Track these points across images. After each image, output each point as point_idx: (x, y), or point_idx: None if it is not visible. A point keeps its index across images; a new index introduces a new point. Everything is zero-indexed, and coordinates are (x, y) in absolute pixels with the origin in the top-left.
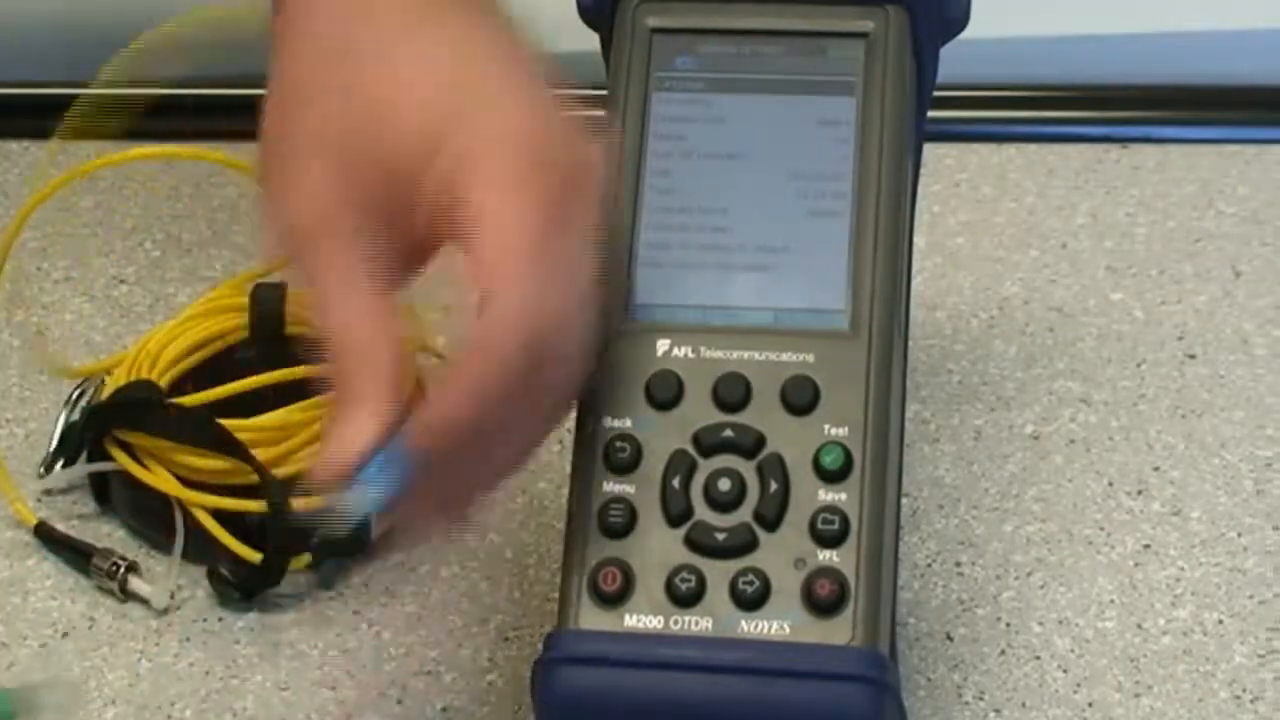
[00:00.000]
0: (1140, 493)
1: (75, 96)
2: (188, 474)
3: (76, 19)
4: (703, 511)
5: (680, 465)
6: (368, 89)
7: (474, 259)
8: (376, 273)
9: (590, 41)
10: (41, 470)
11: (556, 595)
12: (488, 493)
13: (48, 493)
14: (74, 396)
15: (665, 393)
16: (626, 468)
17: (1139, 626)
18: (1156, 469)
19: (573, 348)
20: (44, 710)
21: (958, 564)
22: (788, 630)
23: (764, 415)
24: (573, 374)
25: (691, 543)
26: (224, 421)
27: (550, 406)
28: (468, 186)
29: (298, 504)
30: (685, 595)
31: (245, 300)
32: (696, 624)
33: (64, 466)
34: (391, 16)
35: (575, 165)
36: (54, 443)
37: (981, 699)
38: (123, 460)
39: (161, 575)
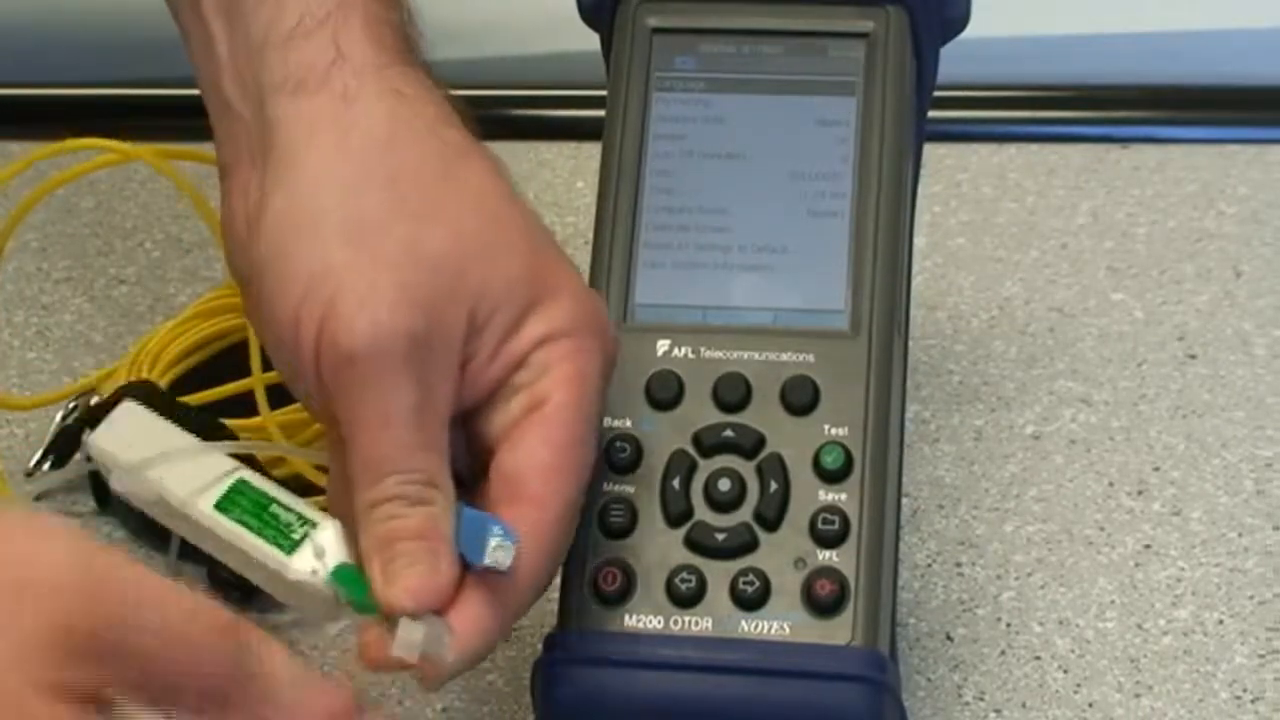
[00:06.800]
0: (1140, 493)
1: (71, 97)
2: None
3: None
4: (703, 512)
5: (680, 465)
6: (464, 217)
7: (530, 452)
8: (429, 417)
9: (590, 41)
10: (30, 469)
11: (556, 595)
12: None
13: (47, 493)
14: (72, 405)
15: (665, 393)
16: (627, 468)
17: (1139, 627)
18: (1157, 469)
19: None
20: None
21: (958, 564)
22: (788, 630)
23: (764, 415)
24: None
25: (691, 543)
26: (224, 421)
27: None
28: (546, 368)
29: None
30: (685, 595)
31: None
32: (697, 624)
33: (52, 468)
34: (450, 132)
35: (613, 351)
36: (45, 443)
37: (981, 699)
38: None
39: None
